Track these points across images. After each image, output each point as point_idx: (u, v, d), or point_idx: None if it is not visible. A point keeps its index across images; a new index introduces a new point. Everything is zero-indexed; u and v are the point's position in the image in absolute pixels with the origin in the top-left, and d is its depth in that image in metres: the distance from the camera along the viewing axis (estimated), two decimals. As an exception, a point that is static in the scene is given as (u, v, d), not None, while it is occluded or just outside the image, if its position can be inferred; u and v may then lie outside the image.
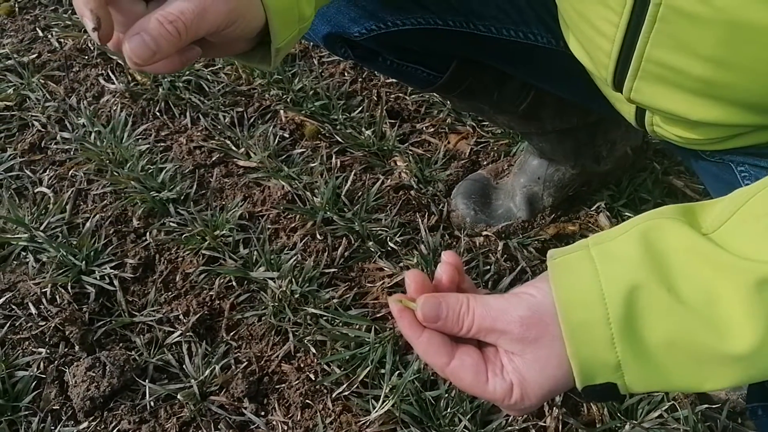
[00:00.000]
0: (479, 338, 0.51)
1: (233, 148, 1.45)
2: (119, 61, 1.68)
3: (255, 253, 1.24)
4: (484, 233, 1.25)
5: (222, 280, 1.21)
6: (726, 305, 0.43)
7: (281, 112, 1.53)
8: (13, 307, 1.19)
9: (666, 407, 0.99)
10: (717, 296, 0.44)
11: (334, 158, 1.40)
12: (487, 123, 1.46)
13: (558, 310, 0.47)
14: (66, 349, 1.12)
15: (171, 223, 1.30)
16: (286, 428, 1.03)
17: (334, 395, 1.05)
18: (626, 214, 1.27)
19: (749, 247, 0.45)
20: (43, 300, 1.19)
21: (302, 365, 1.10)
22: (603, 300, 0.45)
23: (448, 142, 1.45)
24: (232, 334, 1.15)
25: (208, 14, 0.54)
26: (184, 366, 1.10)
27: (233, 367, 1.10)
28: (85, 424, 1.04)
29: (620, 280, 0.46)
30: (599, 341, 0.46)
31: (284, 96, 1.56)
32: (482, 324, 0.49)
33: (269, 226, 1.29)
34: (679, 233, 0.46)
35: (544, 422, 1.01)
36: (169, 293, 1.20)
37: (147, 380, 1.08)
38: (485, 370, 0.49)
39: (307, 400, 1.05)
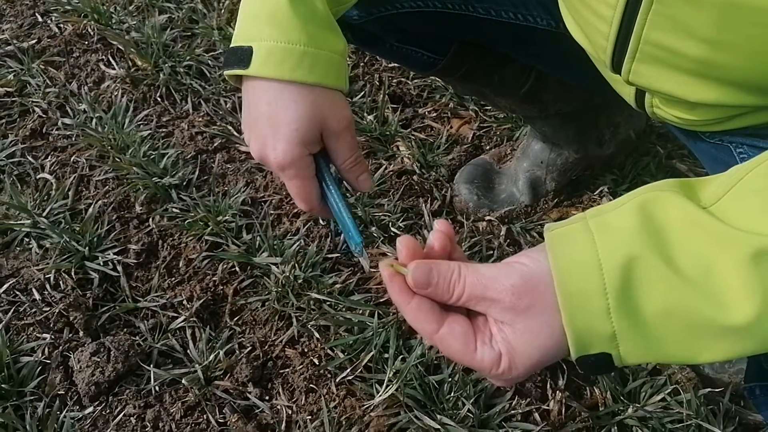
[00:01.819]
0: (469, 307, 0.50)
1: (235, 133, 1.45)
2: (119, 47, 1.67)
3: (258, 238, 1.24)
4: (487, 218, 1.25)
5: (225, 266, 1.21)
6: (723, 277, 0.43)
7: (283, 97, 1.52)
8: (17, 293, 1.19)
9: (669, 390, 1.00)
10: (714, 268, 0.44)
11: (336, 143, 1.40)
12: (489, 107, 1.46)
13: (554, 279, 0.47)
14: (70, 335, 1.13)
15: (173, 209, 1.30)
16: (290, 412, 1.03)
17: (338, 380, 1.05)
18: (629, 198, 1.26)
19: (747, 220, 0.45)
20: (47, 286, 1.19)
21: (306, 350, 1.10)
22: (600, 270, 0.45)
23: (451, 127, 1.45)
24: (235, 319, 1.15)
25: (342, 142, 0.71)
26: (188, 351, 1.10)
27: (237, 352, 1.10)
28: (90, 409, 1.05)
29: (618, 250, 0.46)
30: (595, 311, 0.46)
31: (286, 81, 1.55)
32: (473, 292, 0.49)
33: (272, 212, 1.29)
34: (678, 205, 0.47)
35: (548, 405, 1.01)
36: (173, 279, 1.21)
37: (151, 365, 1.08)
38: (474, 339, 0.49)
39: (311, 385, 1.06)
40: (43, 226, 1.26)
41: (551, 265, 0.47)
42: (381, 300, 1.15)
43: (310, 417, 1.03)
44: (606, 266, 0.45)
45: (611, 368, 0.48)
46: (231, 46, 0.70)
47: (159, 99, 1.55)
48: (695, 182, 0.50)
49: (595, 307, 0.46)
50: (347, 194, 0.75)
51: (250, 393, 1.05)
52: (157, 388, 1.06)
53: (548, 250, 0.48)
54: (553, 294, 0.47)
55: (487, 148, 1.40)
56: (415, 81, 1.54)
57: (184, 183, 1.36)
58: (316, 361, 1.08)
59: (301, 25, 0.67)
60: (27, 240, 1.27)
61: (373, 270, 1.19)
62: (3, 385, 1.05)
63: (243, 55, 0.67)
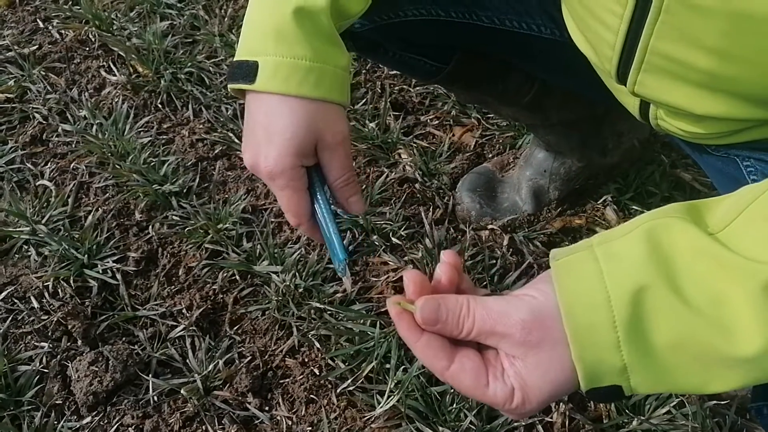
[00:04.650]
0: (479, 341, 0.50)
1: (236, 140, 1.44)
2: (120, 53, 1.67)
3: (258, 246, 1.23)
4: (490, 227, 1.24)
5: (225, 274, 1.20)
6: (733, 307, 0.43)
7: (284, 104, 1.51)
8: (16, 300, 1.18)
9: (674, 403, 0.99)
10: (724, 298, 0.43)
11: (337, 151, 1.39)
12: (492, 115, 1.45)
13: (562, 313, 0.46)
14: (69, 344, 1.12)
15: (173, 217, 1.30)
16: (290, 423, 1.02)
17: (338, 390, 1.04)
18: (633, 207, 1.25)
19: (757, 248, 0.44)
20: (46, 294, 1.18)
21: (306, 360, 1.09)
22: (609, 302, 0.45)
23: (453, 135, 1.44)
24: (235, 328, 1.14)
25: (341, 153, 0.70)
26: (187, 360, 1.09)
27: (237, 361, 1.09)
28: (88, 419, 1.03)
29: (626, 281, 0.45)
30: (605, 344, 0.45)
31: (287, 88, 1.54)
32: (482, 327, 0.48)
33: (272, 220, 1.28)
34: (686, 233, 0.46)
35: (551, 418, 1.00)
36: (172, 287, 1.20)
37: (150, 375, 1.07)
38: (486, 374, 0.49)
39: (311, 395, 1.05)
40: (42, 234, 1.25)
41: (558, 299, 0.46)
42: (382, 310, 1.14)
43: (310, 428, 1.01)
44: (614, 298, 0.45)
45: (621, 397, 0.47)
46: (235, 59, 0.69)
47: (160, 106, 1.54)
48: (703, 205, 0.49)
49: (604, 341, 0.45)
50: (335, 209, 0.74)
51: (249, 403, 1.04)
52: (155, 398, 1.05)
53: (554, 282, 0.47)
54: (562, 328, 0.46)
55: (490, 156, 1.39)
56: (417, 88, 1.54)
57: (185, 190, 1.35)
58: (316, 371, 1.07)
59: (306, 39, 0.66)
60: (26, 247, 1.26)
61: (374, 278, 1.18)
62: (0, 395, 1.04)
63: (248, 70, 0.67)
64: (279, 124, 0.66)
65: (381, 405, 1.01)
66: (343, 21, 0.74)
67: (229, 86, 0.70)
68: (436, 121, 1.47)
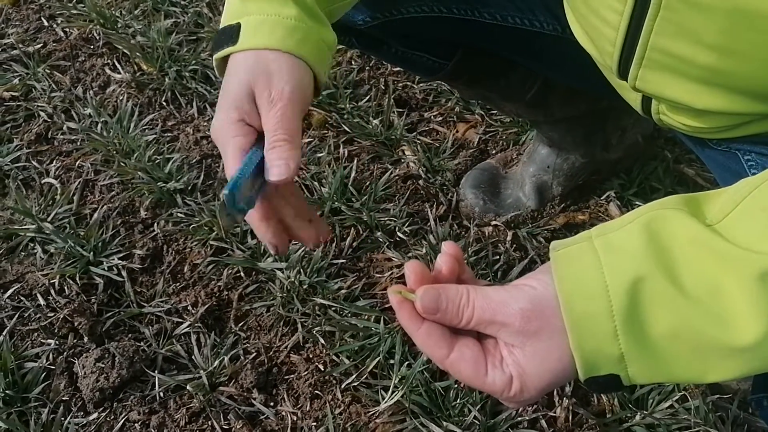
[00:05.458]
0: (479, 330, 0.50)
1: (240, 137, 1.44)
2: (125, 51, 1.67)
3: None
4: (493, 223, 1.24)
5: (230, 271, 1.21)
6: (730, 297, 0.43)
7: (288, 101, 1.51)
8: (22, 298, 1.19)
9: (677, 397, 0.99)
10: (721, 288, 0.44)
11: (341, 148, 1.40)
12: (495, 111, 1.45)
13: (561, 302, 0.46)
14: (75, 340, 1.13)
15: (178, 214, 1.30)
16: (295, 419, 1.03)
17: (343, 386, 1.05)
18: (637, 203, 1.26)
19: (754, 238, 0.44)
20: (52, 291, 1.19)
21: (311, 356, 1.10)
22: (606, 292, 0.45)
23: (457, 131, 1.44)
24: (240, 324, 1.14)
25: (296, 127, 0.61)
26: (193, 357, 1.10)
27: (242, 357, 1.10)
28: (94, 415, 1.04)
29: (624, 271, 0.45)
30: (602, 334, 0.45)
31: (291, 85, 1.54)
32: (482, 316, 0.49)
33: (277, 217, 1.29)
34: (683, 224, 0.46)
35: (554, 412, 1.00)
36: (178, 284, 1.20)
37: (156, 371, 1.08)
38: (485, 363, 0.49)
39: (316, 391, 1.05)
40: (47, 231, 1.26)
41: (557, 289, 0.47)
42: (386, 305, 1.14)
43: (315, 423, 1.02)
44: (612, 289, 0.45)
45: (620, 388, 0.48)
46: (220, 28, 0.65)
47: (164, 103, 1.54)
48: (701, 197, 0.49)
49: (602, 330, 0.45)
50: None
51: (254, 399, 1.05)
52: (161, 394, 1.06)
53: (554, 273, 0.47)
54: (560, 318, 0.46)
55: (493, 152, 1.39)
56: (421, 85, 1.54)
57: (189, 187, 1.35)
58: (321, 367, 1.08)
59: (294, 4, 0.64)
60: (32, 245, 1.27)
61: (378, 274, 1.18)
62: (7, 391, 1.05)
63: (231, 33, 0.63)
64: (234, 79, 0.62)
65: (385, 400, 1.01)
66: (333, 6, 0.72)
67: (213, 57, 0.65)
68: (440, 118, 1.48)
